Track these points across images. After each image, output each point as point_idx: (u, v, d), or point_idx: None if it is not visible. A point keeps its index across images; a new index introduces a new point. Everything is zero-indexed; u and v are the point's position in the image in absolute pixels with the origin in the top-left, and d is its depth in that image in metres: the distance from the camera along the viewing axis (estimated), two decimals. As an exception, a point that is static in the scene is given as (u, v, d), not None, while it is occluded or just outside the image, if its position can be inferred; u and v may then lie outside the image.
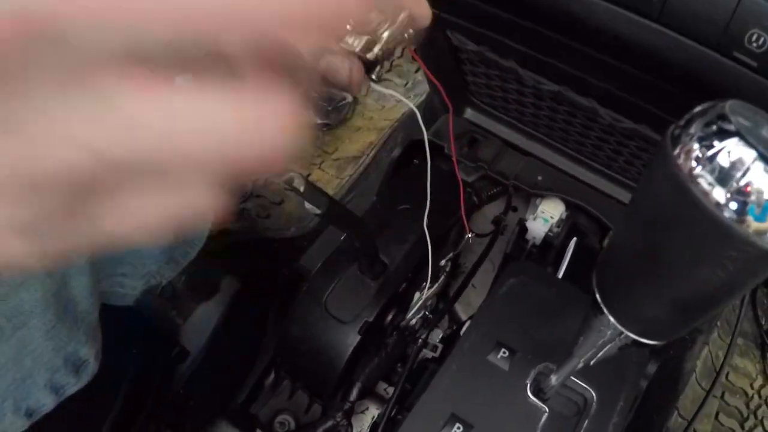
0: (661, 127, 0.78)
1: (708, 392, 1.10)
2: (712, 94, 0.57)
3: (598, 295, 0.49)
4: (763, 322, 1.33)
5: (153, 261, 0.69)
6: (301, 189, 0.61)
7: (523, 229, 1.15)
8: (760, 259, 0.34)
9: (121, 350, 0.78)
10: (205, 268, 1.04)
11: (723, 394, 1.26)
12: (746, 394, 1.31)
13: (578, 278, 0.96)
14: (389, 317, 0.98)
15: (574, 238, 1.05)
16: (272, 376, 1.12)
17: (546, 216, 1.13)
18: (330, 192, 1.39)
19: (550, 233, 1.14)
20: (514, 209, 1.23)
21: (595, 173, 1.13)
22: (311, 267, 1.16)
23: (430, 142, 1.14)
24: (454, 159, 1.00)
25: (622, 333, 0.49)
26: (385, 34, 0.44)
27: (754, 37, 0.53)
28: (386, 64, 0.46)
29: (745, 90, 0.58)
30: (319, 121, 1.57)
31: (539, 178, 1.15)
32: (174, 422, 1.03)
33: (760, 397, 1.31)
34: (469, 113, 1.20)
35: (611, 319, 0.48)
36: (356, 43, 0.44)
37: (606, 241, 1.15)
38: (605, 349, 0.54)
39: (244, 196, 1.47)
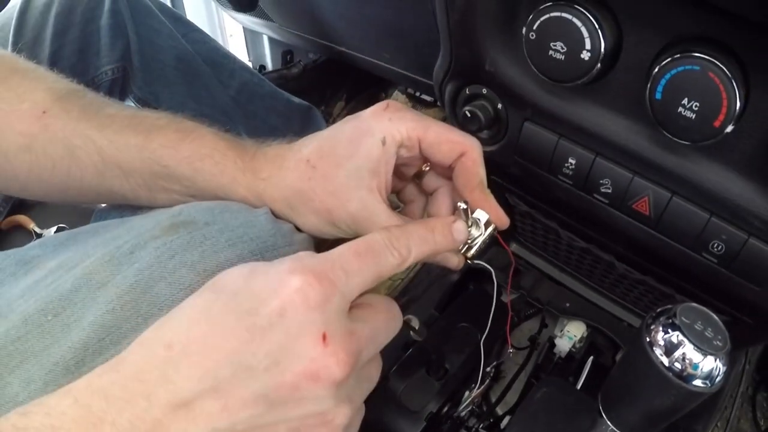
0: (663, 280, 0.99)
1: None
2: (691, 272, 0.82)
3: (600, 406, 0.75)
4: (762, 423, 1.39)
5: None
6: (415, 326, 0.87)
7: (552, 344, 1.32)
8: (689, 396, 0.61)
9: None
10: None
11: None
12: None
13: (592, 387, 1.12)
14: (445, 409, 1.16)
15: (591, 357, 1.21)
16: (343, 449, 1.27)
17: (571, 335, 1.30)
18: (384, 292, 1.51)
19: (573, 349, 1.30)
20: (546, 326, 1.41)
21: (611, 302, 1.30)
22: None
23: (482, 270, 1.39)
24: (509, 304, 1.17)
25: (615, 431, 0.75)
26: (478, 241, 0.71)
27: (716, 245, 0.75)
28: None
29: (710, 275, 0.79)
30: (376, 226, 1.72)
31: (567, 304, 1.34)
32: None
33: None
34: (514, 247, 1.37)
35: (608, 421, 0.74)
36: (460, 247, 0.71)
37: (618, 356, 1.32)
38: (606, 442, 0.80)
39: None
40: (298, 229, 0.75)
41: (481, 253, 0.73)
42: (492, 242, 0.73)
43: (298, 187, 0.72)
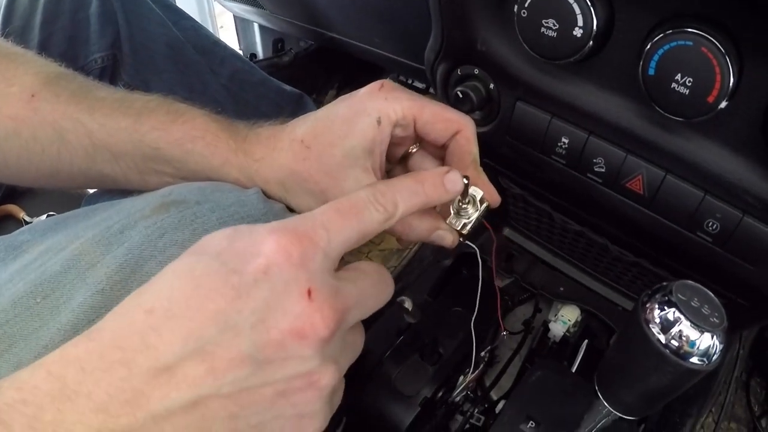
0: (656, 262, 0.98)
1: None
2: (685, 252, 0.82)
3: (597, 387, 0.75)
4: (756, 409, 1.39)
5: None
6: (409, 308, 0.87)
7: (546, 329, 1.32)
8: (686, 373, 0.60)
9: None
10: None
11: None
12: (738, 473, 1.36)
13: (587, 371, 1.12)
14: (439, 394, 1.15)
15: (586, 341, 1.21)
16: (338, 433, 1.24)
17: (565, 319, 1.29)
18: None
19: (567, 333, 1.29)
20: (540, 311, 1.40)
21: (605, 286, 1.30)
22: (369, 347, 1.36)
23: (475, 255, 1.38)
24: (496, 287, 1.18)
25: (611, 412, 0.74)
26: (473, 218, 0.71)
27: (710, 224, 0.75)
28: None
29: (705, 254, 0.79)
30: (368, 215, 1.73)
31: (561, 288, 1.34)
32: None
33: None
34: (507, 231, 1.39)
35: (604, 402, 0.74)
36: (456, 223, 0.71)
37: (612, 341, 1.31)
38: (602, 422, 0.79)
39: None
40: (291, 210, 0.75)
41: (473, 233, 0.73)
42: (482, 222, 0.73)
43: (292, 168, 0.72)
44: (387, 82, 0.72)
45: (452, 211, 0.72)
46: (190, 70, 1.62)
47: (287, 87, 1.90)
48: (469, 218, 0.71)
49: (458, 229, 0.72)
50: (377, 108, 0.70)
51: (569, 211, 1.05)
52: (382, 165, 0.73)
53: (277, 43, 2.35)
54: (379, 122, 0.69)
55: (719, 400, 1.25)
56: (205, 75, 1.66)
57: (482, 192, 0.71)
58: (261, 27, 2.30)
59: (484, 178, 0.73)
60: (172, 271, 0.49)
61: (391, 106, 0.70)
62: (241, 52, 2.28)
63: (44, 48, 1.32)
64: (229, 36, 2.42)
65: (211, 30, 2.03)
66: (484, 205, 0.71)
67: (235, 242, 0.50)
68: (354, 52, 1.71)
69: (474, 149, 0.72)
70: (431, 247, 1.55)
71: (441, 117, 0.71)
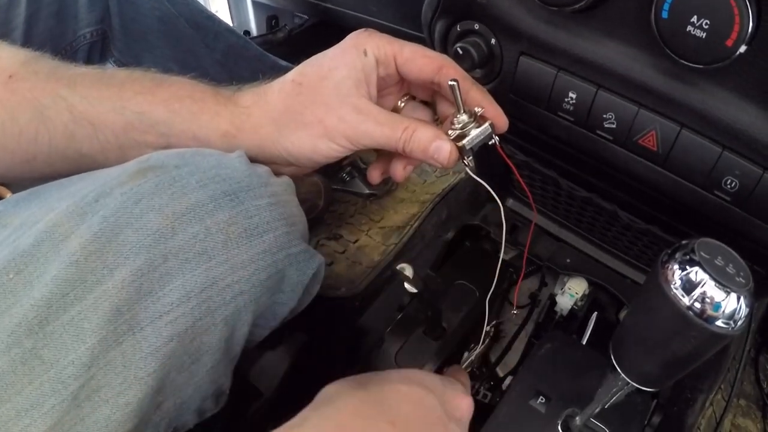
0: (668, 229, 0.95)
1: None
2: (701, 215, 0.78)
3: (613, 357, 0.71)
4: (765, 386, 1.36)
5: (281, 317, 0.85)
6: (409, 275, 0.83)
7: (553, 303, 1.29)
8: (712, 337, 0.56)
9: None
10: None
11: (726, 451, 1.25)
12: (747, 451, 1.32)
13: (597, 344, 1.08)
14: (444, 370, 1.10)
15: (595, 313, 1.17)
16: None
17: (572, 292, 1.26)
18: (377, 257, 1.48)
19: (575, 306, 1.26)
20: (545, 284, 1.37)
21: (614, 257, 1.28)
22: (370, 326, 1.33)
23: (478, 226, 1.35)
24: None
25: (628, 383, 0.70)
26: (472, 133, 0.70)
27: (729, 182, 0.71)
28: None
29: (722, 215, 0.75)
30: (367, 191, 1.67)
31: (568, 260, 1.31)
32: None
33: (760, 453, 1.32)
34: (511, 203, 1.36)
35: (621, 373, 0.70)
36: (452, 134, 0.70)
37: (621, 314, 1.28)
38: (617, 395, 0.75)
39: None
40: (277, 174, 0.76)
41: (476, 164, 0.72)
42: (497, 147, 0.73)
43: (286, 104, 0.74)
44: (370, 29, 0.75)
45: (451, 125, 0.72)
46: (184, 45, 1.58)
47: (283, 62, 1.86)
48: (464, 127, 0.71)
49: (452, 138, 0.71)
50: (362, 42, 0.73)
51: (577, 176, 1.01)
52: (374, 99, 0.75)
53: (271, 19, 2.32)
54: (365, 53, 0.72)
55: (728, 376, 1.23)
56: (199, 50, 1.63)
57: (483, 109, 0.72)
58: (254, 3, 2.27)
59: (488, 96, 0.74)
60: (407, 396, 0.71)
61: (374, 41, 0.73)
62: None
63: (31, 24, 1.28)
64: (222, 14, 2.38)
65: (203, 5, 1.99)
66: (487, 123, 0.71)
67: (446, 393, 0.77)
68: (350, 24, 1.67)
69: (467, 74, 0.74)
70: (432, 222, 1.53)
71: (420, 53, 0.73)
